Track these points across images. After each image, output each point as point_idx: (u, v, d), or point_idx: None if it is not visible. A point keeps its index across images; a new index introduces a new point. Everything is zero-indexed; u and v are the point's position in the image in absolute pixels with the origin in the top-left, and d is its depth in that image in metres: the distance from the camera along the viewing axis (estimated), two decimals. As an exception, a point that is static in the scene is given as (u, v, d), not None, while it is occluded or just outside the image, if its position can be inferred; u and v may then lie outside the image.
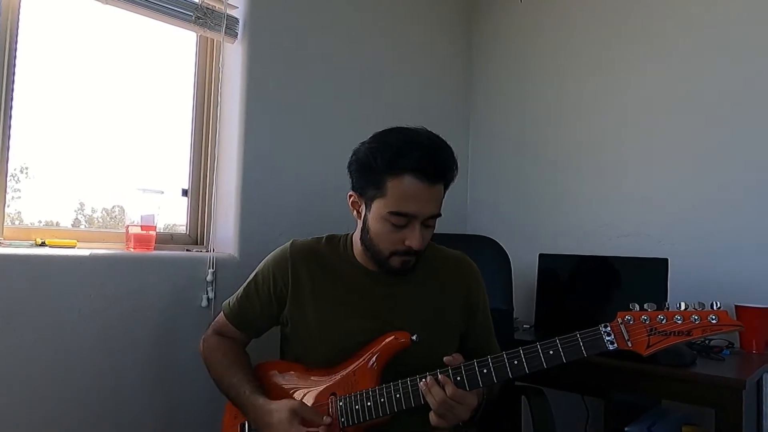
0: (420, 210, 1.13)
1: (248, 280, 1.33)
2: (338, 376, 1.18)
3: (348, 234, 1.33)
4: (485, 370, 1.08)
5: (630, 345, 1.03)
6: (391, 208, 1.13)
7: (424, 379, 1.08)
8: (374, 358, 1.15)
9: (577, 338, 1.05)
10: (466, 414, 1.08)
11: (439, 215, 1.17)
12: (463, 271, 1.33)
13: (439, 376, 1.08)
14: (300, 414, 1.11)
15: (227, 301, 1.35)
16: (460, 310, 1.29)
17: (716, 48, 2.03)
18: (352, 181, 1.22)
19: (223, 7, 1.74)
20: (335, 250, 1.30)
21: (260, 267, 1.33)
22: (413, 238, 1.14)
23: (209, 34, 1.74)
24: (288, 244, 1.31)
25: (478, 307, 1.32)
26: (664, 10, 2.15)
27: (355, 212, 1.25)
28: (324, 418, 1.12)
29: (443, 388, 1.06)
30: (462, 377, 1.08)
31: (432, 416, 1.07)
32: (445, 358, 1.10)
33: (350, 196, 1.24)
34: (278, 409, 1.12)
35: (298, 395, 1.20)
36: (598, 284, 2.01)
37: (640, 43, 2.20)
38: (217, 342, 1.33)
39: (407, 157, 1.11)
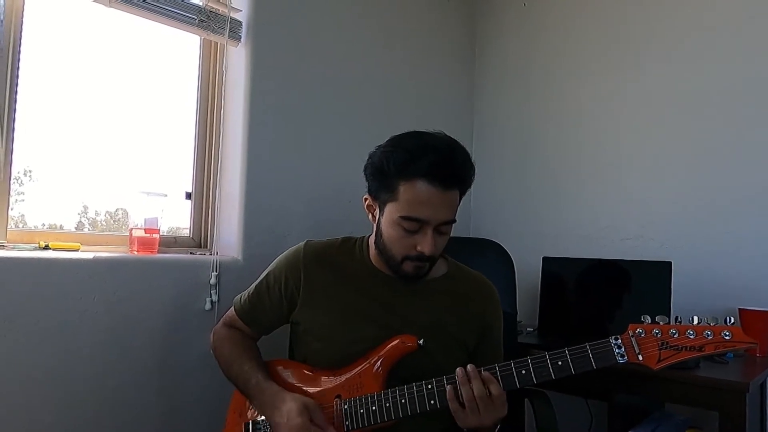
0: (432, 216, 1.12)
1: (260, 279, 1.33)
2: (344, 378, 1.17)
3: (365, 237, 1.33)
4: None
5: (640, 359, 1.01)
6: (402, 212, 1.13)
7: (461, 368, 1.08)
8: (380, 361, 1.15)
9: (587, 350, 1.04)
10: (491, 420, 1.07)
11: (454, 221, 1.17)
12: (483, 292, 1.32)
13: (483, 372, 1.07)
14: (311, 411, 1.10)
15: (239, 296, 1.36)
16: (472, 328, 1.27)
17: (716, 48, 2.03)
18: (368, 184, 1.22)
19: (226, 11, 1.74)
20: (350, 252, 1.30)
21: (272, 266, 1.33)
22: (425, 244, 1.14)
23: (213, 37, 1.74)
24: (302, 244, 1.31)
25: (492, 329, 1.31)
26: (664, 10, 2.16)
27: (370, 216, 1.25)
28: (329, 429, 1.10)
29: (486, 387, 1.06)
30: None
31: (460, 412, 1.06)
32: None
33: (365, 199, 1.24)
34: (292, 398, 1.12)
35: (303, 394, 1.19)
36: (602, 287, 2.01)
37: (641, 44, 2.20)
38: (228, 333, 1.33)
39: (420, 162, 1.10)
